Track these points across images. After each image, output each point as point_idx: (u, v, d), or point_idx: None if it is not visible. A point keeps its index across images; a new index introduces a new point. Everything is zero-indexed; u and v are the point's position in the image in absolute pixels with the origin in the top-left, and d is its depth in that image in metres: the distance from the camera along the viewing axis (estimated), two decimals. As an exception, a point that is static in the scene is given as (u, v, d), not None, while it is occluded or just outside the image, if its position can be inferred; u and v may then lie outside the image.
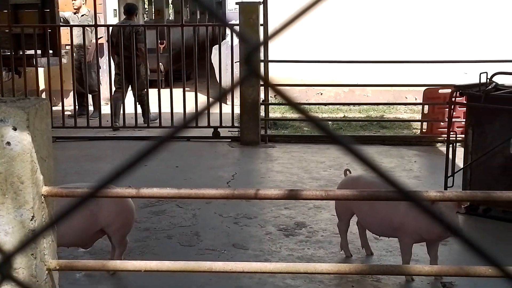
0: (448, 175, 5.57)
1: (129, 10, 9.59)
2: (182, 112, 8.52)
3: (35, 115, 2.41)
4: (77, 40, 9.22)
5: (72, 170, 6.74)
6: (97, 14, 8.57)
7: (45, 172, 2.49)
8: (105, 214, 3.96)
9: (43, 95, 10.12)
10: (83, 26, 9.02)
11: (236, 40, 8.54)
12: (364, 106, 10.31)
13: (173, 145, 8.35)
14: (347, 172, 4.58)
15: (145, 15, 15.90)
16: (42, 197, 2.46)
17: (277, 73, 9.63)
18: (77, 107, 9.13)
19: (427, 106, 8.46)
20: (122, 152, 7.96)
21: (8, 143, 2.35)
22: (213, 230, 5.23)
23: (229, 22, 10.10)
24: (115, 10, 11.92)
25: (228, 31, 10.36)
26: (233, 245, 4.90)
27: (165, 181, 6.44)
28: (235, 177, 6.85)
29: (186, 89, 8.83)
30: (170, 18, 18.61)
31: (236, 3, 8.27)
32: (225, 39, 10.52)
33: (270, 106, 8.96)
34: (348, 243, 4.59)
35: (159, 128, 8.60)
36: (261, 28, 8.00)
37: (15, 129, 2.34)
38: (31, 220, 2.39)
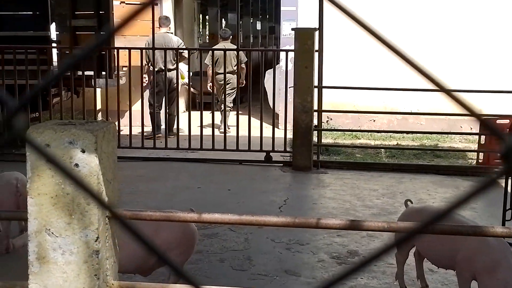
0: (507, 208, 5.44)
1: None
2: (235, 135, 8.57)
3: (103, 138, 2.46)
4: (162, 62, 9.46)
5: (127, 190, 6.83)
6: (155, 37, 8.74)
7: (110, 194, 2.53)
8: (165, 240, 3.94)
9: (99, 115, 10.33)
10: (165, 49, 9.18)
11: (290, 65, 8.58)
12: (418, 134, 10.19)
13: (226, 168, 8.41)
14: (408, 202, 4.49)
15: (199, 38, 16.13)
16: (107, 218, 2.50)
17: (330, 99, 9.62)
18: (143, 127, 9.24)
19: (484, 136, 8.31)
20: (175, 173, 8.05)
21: (76, 165, 2.40)
22: (265, 255, 5.22)
23: (284, 48, 10.16)
24: (171, 33, 12.11)
25: (282, 56, 10.40)
26: (285, 271, 4.87)
27: (217, 204, 6.47)
28: (287, 202, 6.84)
29: (239, 112, 8.89)
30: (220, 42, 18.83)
31: (292, 29, 8.31)
32: (278, 63, 10.57)
33: (322, 132, 8.93)
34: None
35: (211, 150, 8.66)
36: (316, 54, 8.01)
37: (83, 151, 2.39)
38: (96, 241, 2.43)
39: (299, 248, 5.39)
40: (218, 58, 10.24)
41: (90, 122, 2.53)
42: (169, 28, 10.21)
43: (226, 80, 9.83)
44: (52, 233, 2.43)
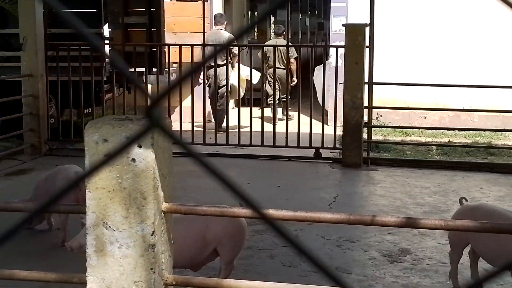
0: None
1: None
2: (285, 132, 8.56)
3: (159, 134, 2.49)
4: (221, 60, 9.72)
5: (177, 186, 6.87)
6: (206, 33, 8.79)
7: (165, 188, 2.56)
8: (216, 235, 3.97)
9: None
10: (215, 46, 9.28)
11: (340, 61, 8.52)
12: (471, 131, 9.99)
13: (275, 165, 8.41)
14: (463, 200, 4.40)
15: (248, 35, 16.13)
16: (162, 213, 2.53)
17: (380, 95, 9.52)
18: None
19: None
20: (224, 169, 8.07)
21: (133, 160, 2.43)
22: (315, 251, 5.19)
23: (334, 44, 10.09)
24: (221, 29, 12.16)
25: (331, 52, 10.35)
26: (336, 268, 4.84)
27: (267, 201, 6.48)
28: (336, 199, 6.80)
29: (288, 108, 8.88)
30: (272, 38, 18.81)
31: (342, 25, 8.25)
32: (328, 59, 10.51)
33: (372, 129, 8.84)
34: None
35: (261, 146, 8.67)
36: (367, 50, 7.93)
37: (140, 146, 2.42)
38: (152, 235, 2.46)
39: (350, 245, 5.36)
40: (269, 54, 10.48)
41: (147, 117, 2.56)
42: (224, 25, 10.35)
43: (277, 75, 10.03)
44: (110, 226, 2.46)
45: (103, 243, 2.47)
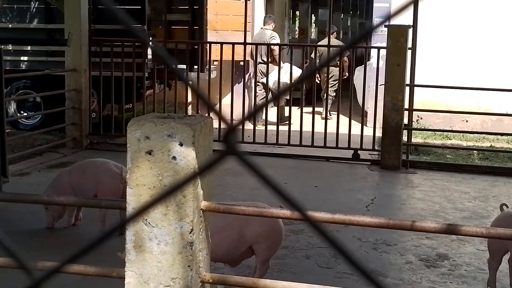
0: None
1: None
2: (323, 132, 8.54)
3: (200, 132, 2.51)
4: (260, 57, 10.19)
5: (214, 184, 6.93)
6: (247, 32, 8.82)
7: (204, 187, 2.58)
8: (254, 232, 3.99)
9: (189, 108, 10.54)
10: (256, 44, 9.44)
11: (381, 62, 8.46)
12: (513, 136, 9.83)
13: (313, 165, 8.40)
14: (504, 207, 4.33)
15: (289, 34, 16.15)
16: (201, 211, 2.55)
17: (421, 98, 9.42)
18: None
19: None
20: (262, 168, 8.10)
21: (174, 158, 2.45)
22: (354, 255, 5.17)
23: (375, 45, 10.05)
24: (266, 29, 12.19)
25: (373, 53, 10.27)
26: (372, 272, 4.82)
27: (303, 201, 6.45)
28: (374, 201, 6.75)
29: (328, 109, 8.85)
30: (312, 37, 18.77)
31: (385, 26, 8.18)
32: (369, 60, 10.44)
33: (412, 131, 8.75)
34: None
35: (299, 146, 8.66)
36: (409, 52, 7.85)
37: (181, 144, 2.45)
38: (190, 233, 2.49)
39: (386, 248, 5.31)
40: (322, 52, 10.96)
41: (189, 116, 2.58)
42: (270, 25, 10.89)
43: (330, 72, 10.38)
44: (149, 223, 2.49)
45: (142, 239, 2.51)
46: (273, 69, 9.75)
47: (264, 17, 11.36)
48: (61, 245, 5.02)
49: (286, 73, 9.85)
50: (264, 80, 9.86)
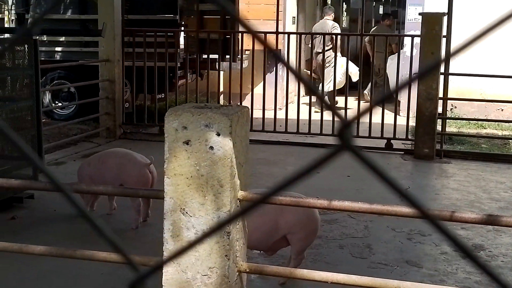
0: None
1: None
2: (356, 122, 8.47)
3: (237, 122, 2.51)
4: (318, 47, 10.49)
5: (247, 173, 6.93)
6: (279, 21, 8.78)
7: (241, 177, 2.58)
8: (289, 222, 3.98)
9: (221, 98, 10.56)
10: (288, 33, 9.45)
11: (415, 51, 8.36)
12: (550, 125, 9.65)
13: (346, 155, 8.34)
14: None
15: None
16: (238, 201, 2.56)
17: (455, 86, 9.29)
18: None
19: None
20: (294, 158, 8.10)
21: (211, 148, 2.46)
22: (385, 244, 5.15)
23: (409, 33, 9.95)
24: (294, 17, 12.14)
25: (406, 41, 10.17)
26: (406, 262, 4.78)
27: (336, 190, 6.45)
28: (408, 191, 6.68)
29: (360, 98, 8.79)
30: (344, 26, 18.62)
31: (419, 14, 8.08)
32: (402, 48, 10.33)
33: (446, 120, 8.64)
34: (533, 272, 4.31)
35: (331, 136, 8.62)
36: (444, 40, 7.75)
37: (218, 134, 2.45)
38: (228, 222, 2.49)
39: (421, 238, 5.27)
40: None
41: (225, 106, 2.58)
42: (330, 16, 11.35)
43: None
44: (186, 212, 2.51)
45: (179, 228, 2.52)
46: (330, 60, 9.93)
47: (324, 8, 12.03)
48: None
49: (342, 66, 9.93)
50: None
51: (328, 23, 11.16)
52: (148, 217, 5.35)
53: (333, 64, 9.46)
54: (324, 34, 9.50)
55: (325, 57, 9.23)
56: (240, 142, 2.55)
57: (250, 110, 2.70)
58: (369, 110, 8.94)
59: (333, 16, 11.48)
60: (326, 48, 9.67)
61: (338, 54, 9.93)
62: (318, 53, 10.42)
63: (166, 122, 2.48)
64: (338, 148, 0.69)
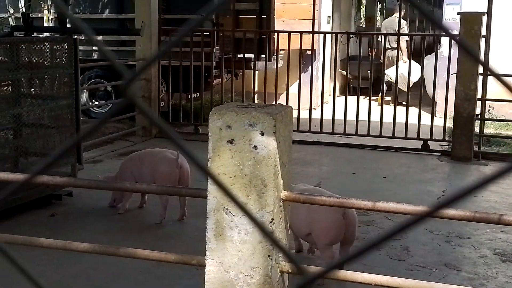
0: None
1: None
2: (392, 122, 8.40)
3: (281, 122, 2.50)
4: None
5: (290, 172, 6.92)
6: (315, 20, 8.75)
7: (285, 177, 2.57)
8: (310, 218, 4.06)
9: (256, 97, 10.56)
10: (323, 33, 9.38)
11: (452, 51, 8.25)
12: None
13: (381, 155, 8.28)
14: None
15: (355, 22, 15.97)
16: (281, 201, 2.55)
17: (493, 87, 9.13)
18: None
19: None
20: (329, 158, 8.06)
21: (255, 147, 2.46)
22: (423, 246, 5.09)
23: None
24: (329, 17, 12.08)
25: (442, 42, 10.04)
26: (445, 265, 4.72)
27: (372, 191, 6.40)
28: (445, 193, 6.61)
29: (397, 99, 8.71)
30: (378, 25, 18.50)
31: (458, 13, 7.97)
32: (439, 49, 10.20)
33: (484, 122, 8.51)
34: None
35: (367, 136, 8.56)
36: (483, 40, 7.63)
37: (262, 134, 2.45)
38: (270, 222, 2.49)
39: (459, 241, 5.20)
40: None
41: (269, 105, 2.58)
42: (399, 12, 10.74)
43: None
44: (229, 212, 2.51)
45: (222, 227, 2.52)
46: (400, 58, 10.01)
47: (395, 5, 12.23)
48: (135, 228, 5.15)
49: (405, 62, 9.91)
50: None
51: (395, 21, 10.61)
52: (185, 216, 5.38)
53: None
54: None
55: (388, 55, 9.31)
56: (283, 141, 2.54)
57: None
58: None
59: (402, 13, 10.77)
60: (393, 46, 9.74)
61: (404, 57, 10.02)
62: (389, 49, 10.71)
63: (210, 121, 2.48)
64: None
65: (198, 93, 9.22)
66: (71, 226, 5.27)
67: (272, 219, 2.49)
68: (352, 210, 4.00)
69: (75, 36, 6.00)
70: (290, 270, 2.58)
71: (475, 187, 0.72)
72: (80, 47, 9.32)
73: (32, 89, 5.99)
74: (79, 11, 10.20)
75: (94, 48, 10.16)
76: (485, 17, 7.66)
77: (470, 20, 7.59)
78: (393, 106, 8.63)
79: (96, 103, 10.34)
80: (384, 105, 8.68)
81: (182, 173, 5.23)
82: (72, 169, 5.72)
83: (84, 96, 10.27)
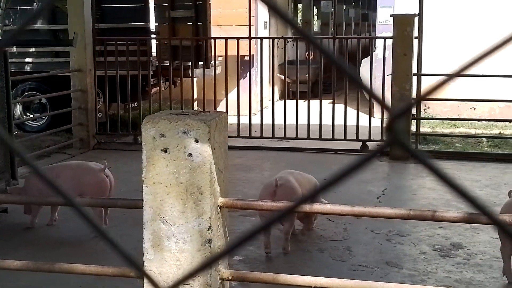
0: None
1: None
2: (331, 124, 8.49)
3: (215, 128, 2.49)
4: None
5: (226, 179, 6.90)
6: (251, 26, 8.78)
7: (221, 183, 2.56)
8: None
9: (195, 104, 10.51)
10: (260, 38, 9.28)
11: (387, 52, 8.41)
12: (522, 122, 9.77)
13: (322, 158, 8.36)
14: None
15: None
16: (218, 208, 2.53)
17: (428, 86, 9.36)
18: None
19: None
20: (271, 162, 8.08)
21: (190, 155, 2.43)
22: (365, 246, 5.15)
23: (380, 35, 9.97)
24: (266, 22, 12.15)
25: (378, 43, 10.23)
26: (386, 263, 4.79)
27: (314, 194, 6.44)
28: (385, 192, 6.72)
29: (334, 101, 8.81)
30: (315, 30, 18.72)
31: (391, 15, 8.13)
32: (374, 51, 10.39)
33: (420, 121, 8.70)
34: (512, 268, 4.34)
35: (307, 139, 8.63)
36: (415, 41, 7.81)
37: (197, 141, 2.42)
38: (208, 230, 2.46)
39: (400, 239, 5.29)
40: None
41: (203, 112, 2.56)
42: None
43: None
44: (166, 221, 2.47)
45: (160, 238, 2.49)
46: None
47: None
48: (74, 242, 5.03)
49: None
50: None
51: None
52: (106, 224, 5.32)
53: None
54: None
55: None
56: (218, 148, 2.52)
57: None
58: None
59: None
60: None
61: None
62: None
63: (143, 130, 2.44)
64: (389, 141, 0.65)
65: (136, 103, 9.11)
66: (7, 243, 5.11)
67: (210, 226, 2.47)
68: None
69: (5, 49, 5.83)
70: (230, 277, 2.56)
71: (338, 179, 0.71)
72: (12, 59, 9.12)
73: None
74: (9, 22, 9.94)
75: (27, 60, 9.92)
76: (416, 19, 7.84)
77: (402, 22, 7.76)
78: (331, 109, 8.72)
79: (31, 116, 10.10)
80: (323, 108, 8.76)
81: (110, 182, 5.16)
82: (6, 185, 5.55)
83: (18, 110, 10.01)
